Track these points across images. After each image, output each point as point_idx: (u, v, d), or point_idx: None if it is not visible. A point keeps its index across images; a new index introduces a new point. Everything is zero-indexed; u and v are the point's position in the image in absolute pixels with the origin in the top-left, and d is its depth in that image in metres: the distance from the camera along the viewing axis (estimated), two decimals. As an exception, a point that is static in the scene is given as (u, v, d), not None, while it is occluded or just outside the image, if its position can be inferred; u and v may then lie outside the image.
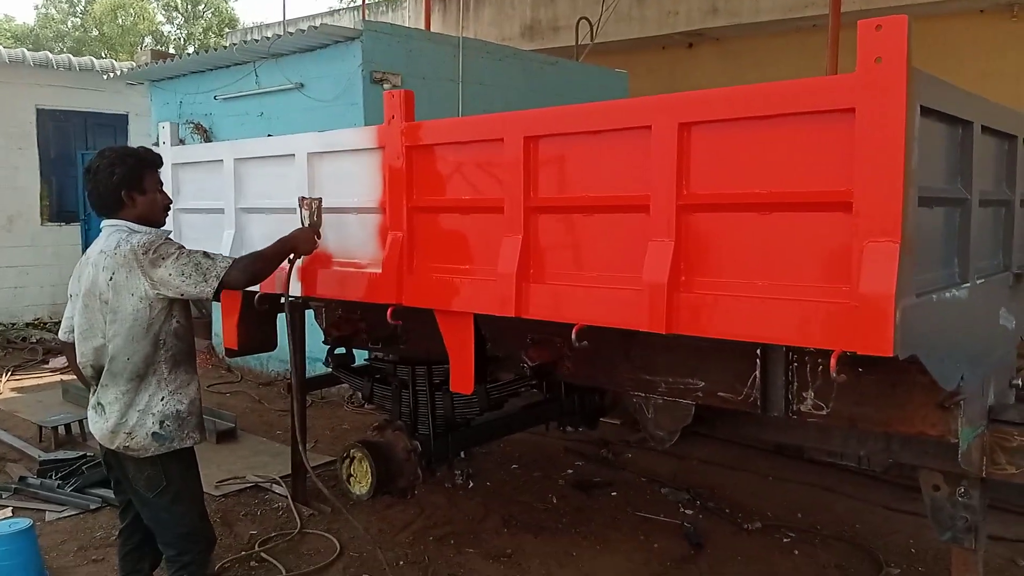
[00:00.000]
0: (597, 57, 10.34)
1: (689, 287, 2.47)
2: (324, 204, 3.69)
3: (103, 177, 3.08)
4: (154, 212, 3.18)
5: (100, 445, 3.26)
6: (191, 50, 27.69)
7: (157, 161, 3.22)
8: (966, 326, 2.64)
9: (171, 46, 30.20)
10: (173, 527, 3.17)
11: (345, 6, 20.37)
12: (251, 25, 23.28)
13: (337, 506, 4.35)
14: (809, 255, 2.27)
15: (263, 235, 4.08)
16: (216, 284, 3.03)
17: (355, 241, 3.59)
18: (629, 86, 9.99)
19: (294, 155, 3.81)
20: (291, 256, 3.46)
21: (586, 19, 10.19)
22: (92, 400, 3.18)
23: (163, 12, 32.72)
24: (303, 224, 3.54)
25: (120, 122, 11.94)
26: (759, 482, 5.50)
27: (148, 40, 30.62)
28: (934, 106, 2.22)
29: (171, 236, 3.20)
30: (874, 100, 2.06)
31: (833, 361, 2.17)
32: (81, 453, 5.90)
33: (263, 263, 3.25)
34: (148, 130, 10.40)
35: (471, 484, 5.48)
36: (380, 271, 3.41)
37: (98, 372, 3.13)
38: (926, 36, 9.27)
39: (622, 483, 5.49)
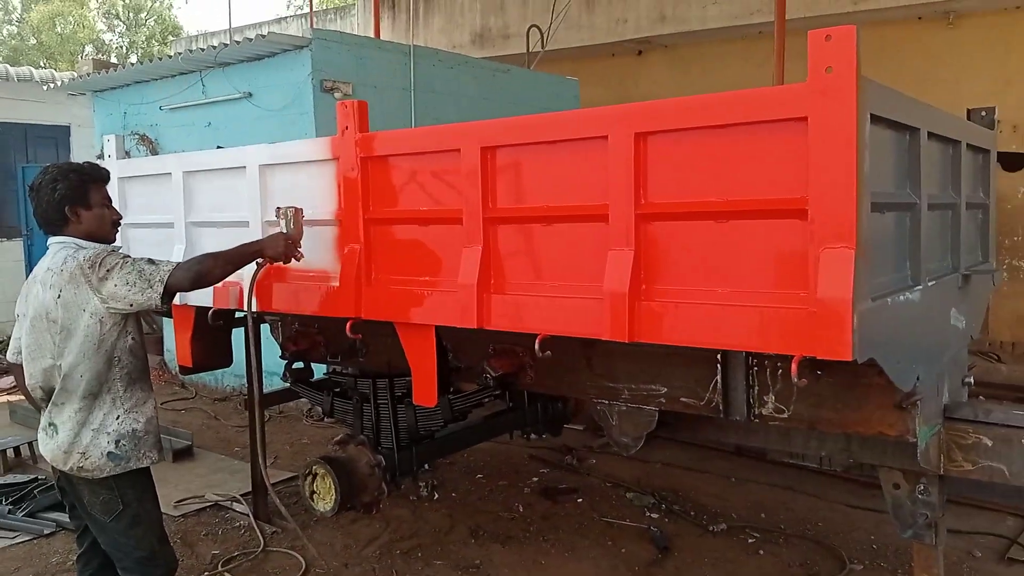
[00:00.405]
0: (548, 65, 10.38)
1: (650, 295, 2.48)
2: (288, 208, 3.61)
3: (46, 193, 2.99)
4: (102, 228, 3.09)
5: (53, 468, 3.15)
6: (134, 59, 27.15)
7: (103, 175, 3.13)
8: (920, 327, 2.70)
9: (113, 55, 29.52)
10: (132, 551, 3.08)
11: (292, 14, 20.16)
12: (195, 33, 22.91)
13: (295, 530, 4.29)
14: (767, 262, 2.29)
15: (215, 248, 4.01)
16: (161, 288, 2.92)
17: (311, 254, 3.53)
18: (580, 93, 10.05)
19: (245, 167, 3.74)
20: (259, 260, 3.32)
21: (536, 27, 10.24)
22: (43, 421, 3.08)
23: (103, 20, 32.00)
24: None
25: (62, 134, 11.62)
26: (722, 483, 5.55)
27: (89, 49, 29.89)
28: (883, 114, 2.27)
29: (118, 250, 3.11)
30: (826, 109, 2.09)
31: (794, 366, 2.20)
32: (32, 476, 5.72)
33: (212, 262, 3.09)
34: (91, 142, 10.14)
35: (436, 496, 5.44)
36: (337, 284, 3.37)
37: (48, 393, 3.04)
38: (867, 43, 9.47)
39: (587, 489, 5.50)
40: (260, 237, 3.50)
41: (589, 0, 10.63)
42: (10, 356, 3.26)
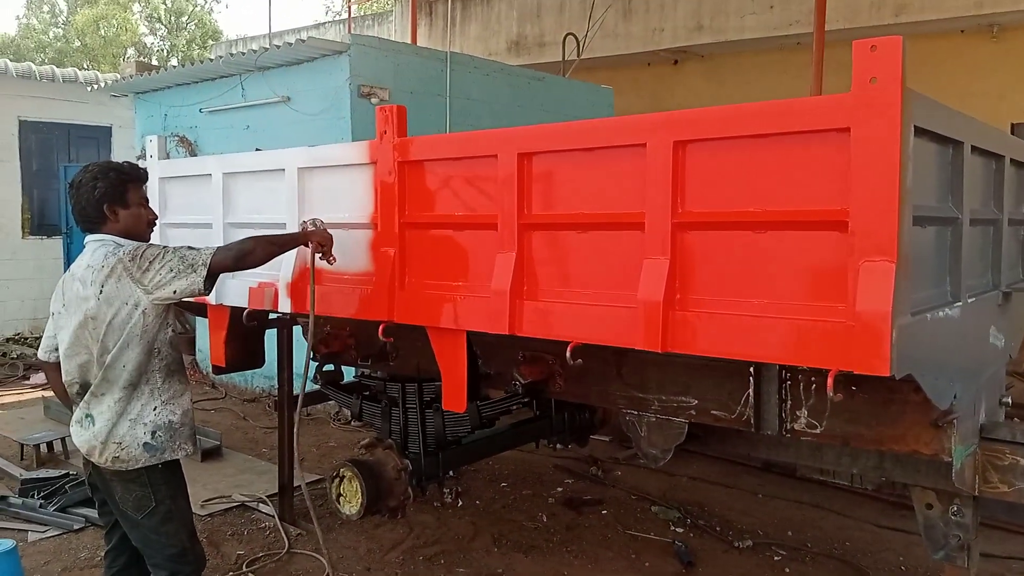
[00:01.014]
0: (583, 73, 10.39)
1: (684, 305, 2.46)
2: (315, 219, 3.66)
3: (86, 191, 3.05)
4: (138, 227, 3.14)
5: (85, 464, 3.19)
6: (174, 62, 27.61)
7: (141, 176, 3.19)
8: (958, 344, 2.65)
9: (154, 58, 30.06)
10: (163, 548, 3.11)
11: (331, 19, 20.38)
12: (235, 38, 23.24)
13: (316, 533, 4.30)
14: (805, 274, 2.27)
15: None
16: (205, 271, 2.96)
17: (345, 257, 3.56)
18: (615, 102, 10.05)
19: (284, 170, 3.78)
20: (310, 248, 3.36)
21: (573, 35, 10.25)
22: (78, 413, 3.11)
23: (146, 24, 32.61)
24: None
25: (103, 134, 11.85)
26: (749, 499, 5.49)
27: (131, 52, 30.48)
28: (927, 126, 2.24)
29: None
30: (869, 120, 2.06)
31: (830, 381, 2.17)
32: (64, 471, 5.80)
33: (254, 243, 3.12)
34: (132, 142, 10.34)
35: (460, 503, 5.44)
36: (371, 287, 3.39)
37: (84, 388, 3.08)
38: (909, 55, 9.36)
39: (612, 501, 5.47)
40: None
41: (626, 9, 10.62)
42: (41, 354, 3.31)
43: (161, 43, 32.63)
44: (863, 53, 2.07)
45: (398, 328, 3.41)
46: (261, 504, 5.41)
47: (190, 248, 3.04)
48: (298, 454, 3.65)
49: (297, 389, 5.43)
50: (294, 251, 3.54)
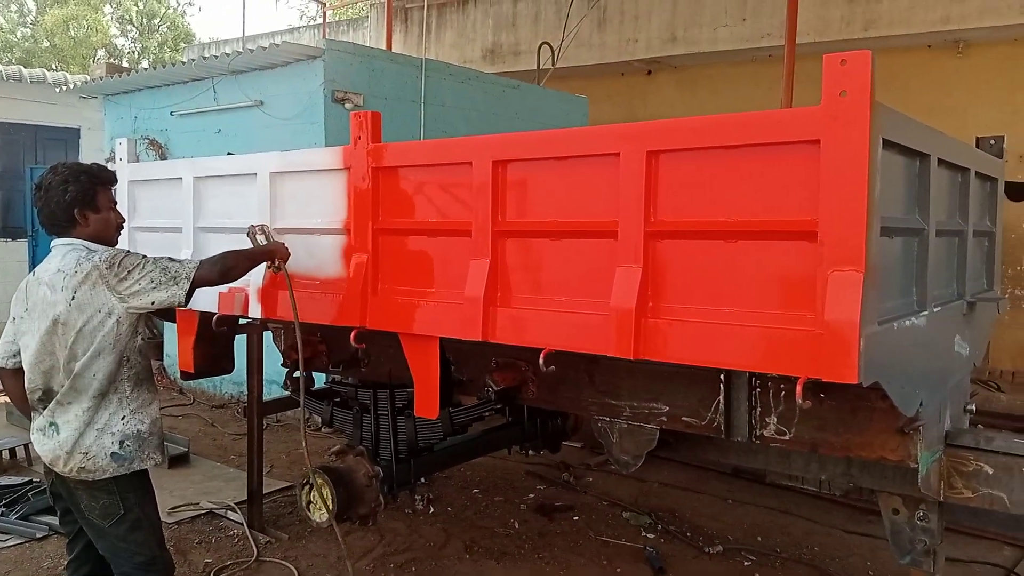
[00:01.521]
0: (557, 82, 10.45)
1: (656, 313, 2.48)
2: (286, 225, 3.65)
3: (55, 195, 2.98)
4: (107, 231, 3.09)
5: (47, 472, 3.12)
6: (145, 64, 27.29)
7: (111, 178, 3.15)
8: (924, 353, 2.70)
9: (125, 60, 29.68)
10: (131, 556, 3.05)
11: (306, 24, 20.28)
12: (207, 41, 23.02)
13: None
14: (774, 283, 2.30)
15: (223, 255, 4.02)
16: (187, 285, 2.95)
17: (318, 262, 3.55)
18: (589, 111, 10.11)
19: (256, 174, 3.75)
20: (276, 263, 3.44)
21: (548, 44, 10.31)
22: (40, 421, 3.03)
23: (117, 25, 32.20)
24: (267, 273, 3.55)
25: (72, 136, 11.68)
26: (718, 505, 5.53)
27: (101, 53, 30.08)
28: (895, 139, 2.28)
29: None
30: (839, 132, 2.10)
31: (799, 388, 2.20)
32: (27, 479, 5.69)
33: (235, 258, 3.17)
34: (101, 145, 10.19)
35: (431, 509, 5.42)
36: (344, 293, 3.37)
37: (47, 396, 3.00)
38: (878, 70, 9.53)
39: (584, 507, 5.48)
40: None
41: (600, 20, 10.71)
42: (0, 360, 3.21)
43: (132, 45, 32.23)
44: (833, 67, 2.11)
45: (370, 334, 3.40)
46: (230, 511, 5.34)
47: (171, 260, 3.00)
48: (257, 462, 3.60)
49: (269, 395, 5.40)
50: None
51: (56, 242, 3.04)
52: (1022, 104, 8.61)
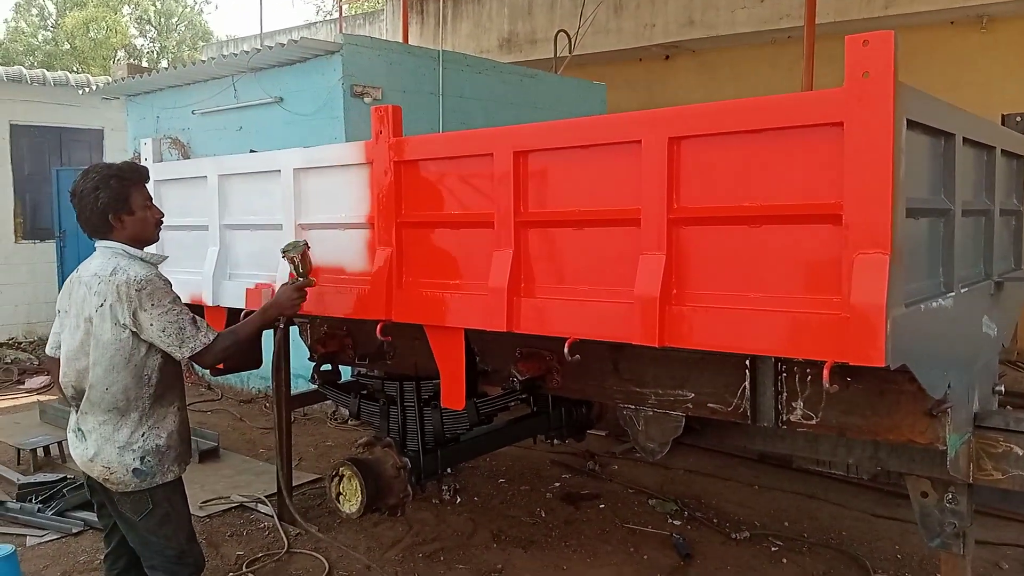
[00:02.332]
0: (575, 69, 10.41)
1: (681, 300, 2.49)
2: (311, 220, 3.68)
3: (88, 202, 3.00)
4: (146, 230, 3.11)
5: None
6: (164, 63, 27.48)
7: (144, 175, 3.14)
8: (952, 334, 2.68)
9: (144, 59, 29.91)
10: (161, 550, 3.10)
11: (322, 19, 20.34)
12: (225, 39, 23.18)
13: (311, 531, 4.31)
14: (799, 267, 2.29)
15: (248, 252, 4.08)
16: (187, 355, 2.98)
17: (342, 257, 3.59)
18: (607, 98, 10.06)
19: (280, 171, 3.79)
20: (279, 323, 3.44)
21: (564, 32, 10.26)
22: (72, 422, 3.10)
23: (136, 26, 32.46)
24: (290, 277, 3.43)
25: (95, 137, 11.81)
26: (744, 491, 5.52)
27: (121, 54, 30.34)
28: (919, 119, 2.26)
29: (162, 273, 3.09)
30: (862, 114, 2.09)
31: (826, 372, 2.20)
32: (61, 475, 5.79)
33: (236, 343, 3.16)
34: (124, 145, 10.31)
35: (458, 499, 5.46)
36: (369, 287, 3.41)
37: (79, 393, 3.05)
38: (900, 47, 9.39)
39: (609, 495, 5.49)
40: (293, 241, 3.52)
41: (617, 5, 10.64)
42: (48, 350, 3.29)
43: (151, 45, 32.48)
44: (855, 48, 2.09)
45: (395, 327, 3.43)
46: (260, 504, 5.41)
47: (193, 321, 2.99)
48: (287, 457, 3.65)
49: (296, 389, 5.46)
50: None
51: (98, 243, 3.08)
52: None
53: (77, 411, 3.08)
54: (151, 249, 3.18)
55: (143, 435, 3.01)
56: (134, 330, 2.94)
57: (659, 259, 2.50)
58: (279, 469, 5.13)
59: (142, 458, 3.00)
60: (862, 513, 5.05)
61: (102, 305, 2.93)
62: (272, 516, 5.17)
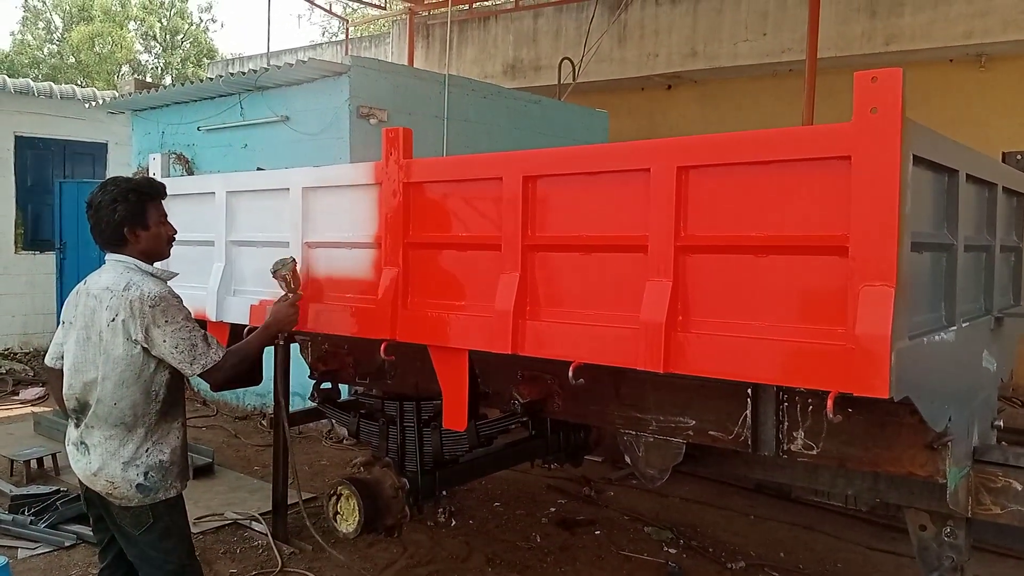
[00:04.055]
0: (577, 96, 10.51)
1: (686, 326, 2.51)
2: (318, 239, 3.71)
3: (105, 214, 3.02)
4: (158, 246, 3.13)
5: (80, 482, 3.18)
6: (169, 79, 27.63)
7: (161, 192, 3.17)
8: (953, 368, 2.71)
9: (148, 75, 30.10)
10: (162, 565, 3.08)
11: (327, 40, 20.53)
12: (230, 57, 23.33)
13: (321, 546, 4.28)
14: (804, 297, 2.32)
15: (253, 269, 4.09)
16: (198, 372, 3.02)
17: (348, 276, 3.61)
18: (609, 125, 10.16)
19: (288, 189, 3.82)
20: (279, 339, 3.54)
21: (568, 59, 10.38)
22: (74, 435, 3.09)
23: (141, 41, 32.69)
24: (284, 293, 3.53)
25: (99, 151, 11.85)
26: (740, 520, 5.52)
27: (125, 69, 30.53)
28: (925, 155, 2.30)
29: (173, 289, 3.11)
30: (870, 148, 2.13)
31: (830, 402, 2.22)
32: (55, 488, 5.76)
33: (247, 363, 3.24)
34: (128, 159, 10.36)
35: (453, 522, 5.44)
36: (374, 306, 3.42)
37: (82, 406, 3.04)
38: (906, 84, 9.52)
39: (605, 521, 5.48)
40: (281, 259, 3.56)
41: (620, 35, 10.77)
42: (48, 360, 3.28)
43: (156, 61, 32.70)
44: (864, 84, 2.14)
45: (398, 346, 3.44)
46: (254, 522, 5.39)
47: (204, 339, 3.03)
48: (294, 472, 3.65)
49: (293, 407, 5.45)
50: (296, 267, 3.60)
51: (109, 257, 3.09)
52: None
53: (78, 424, 3.07)
54: (160, 265, 3.20)
55: (147, 451, 3.01)
56: (145, 346, 2.95)
57: (665, 286, 2.53)
58: (276, 486, 5.13)
59: (146, 473, 2.99)
60: (858, 546, 5.05)
61: (114, 320, 2.94)
62: (266, 534, 5.15)
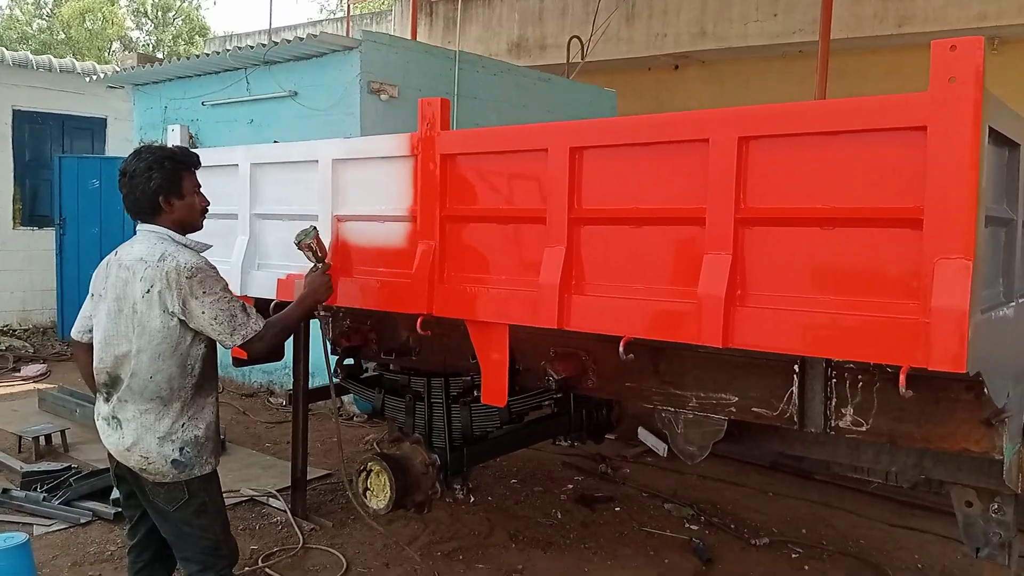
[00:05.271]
0: (584, 76, 10.41)
1: (747, 301, 2.47)
2: (348, 212, 3.65)
3: (140, 182, 2.95)
4: (192, 216, 3.06)
5: (111, 456, 3.11)
6: (160, 56, 27.26)
7: (196, 162, 3.10)
8: (1012, 344, 2.68)
9: (135, 51, 29.70)
10: (196, 541, 3.04)
11: (326, 17, 20.27)
12: (223, 35, 23.04)
13: (369, 521, 4.24)
14: (874, 270, 2.28)
15: (278, 241, 4.03)
16: (238, 343, 2.96)
17: (381, 250, 3.55)
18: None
19: (317, 161, 3.75)
20: (318, 311, 3.44)
21: (577, 38, 10.28)
22: (105, 409, 3.02)
23: (132, 18, 32.23)
24: (313, 264, 3.44)
25: (98, 126, 11.69)
26: (759, 497, 5.53)
27: (116, 45, 30.13)
28: (997, 127, 2.26)
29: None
30: (948, 119, 2.09)
31: (903, 377, 2.19)
32: (66, 464, 5.71)
33: (283, 332, 3.21)
34: (128, 135, 10.23)
35: (472, 499, 5.42)
36: (410, 280, 3.37)
37: (112, 380, 2.98)
38: (910, 66, 9.51)
39: (624, 498, 5.48)
40: (303, 230, 3.46)
41: (629, 14, 10.67)
42: (75, 333, 3.21)
43: (147, 38, 32.28)
44: (942, 53, 2.09)
45: (422, 322, 3.39)
46: (271, 499, 5.35)
47: (243, 309, 2.97)
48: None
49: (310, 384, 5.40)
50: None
51: (141, 227, 3.02)
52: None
53: (108, 399, 3.02)
54: (194, 237, 3.13)
55: (183, 426, 2.96)
56: (183, 318, 2.89)
57: (725, 259, 2.48)
58: (295, 462, 5.09)
59: (181, 449, 2.94)
60: (878, 523, 5.07)
61: (149, 291, 2.88)
62: (285, 511, 5.11)
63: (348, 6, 14.05)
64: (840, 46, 8.69)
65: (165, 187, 2.96)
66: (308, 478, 5.53)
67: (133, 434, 2.94)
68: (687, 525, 5.03)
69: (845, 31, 8.87)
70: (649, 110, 11.00)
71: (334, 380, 4.91)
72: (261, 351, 3.07)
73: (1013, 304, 2.61)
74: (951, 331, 2.06)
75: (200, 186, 3.11)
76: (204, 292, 2.88)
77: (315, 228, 3.44)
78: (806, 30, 9.12)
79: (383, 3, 16.10)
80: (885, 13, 8.85)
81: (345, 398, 7.10)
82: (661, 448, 6.34)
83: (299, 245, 3.43)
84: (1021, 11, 8.08)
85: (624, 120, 2.83)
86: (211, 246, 3.15)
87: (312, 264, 3.43)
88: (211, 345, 3.05)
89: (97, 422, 3.11)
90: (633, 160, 2.78)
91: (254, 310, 3.03)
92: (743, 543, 4.77)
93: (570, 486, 5.72)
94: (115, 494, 4.58)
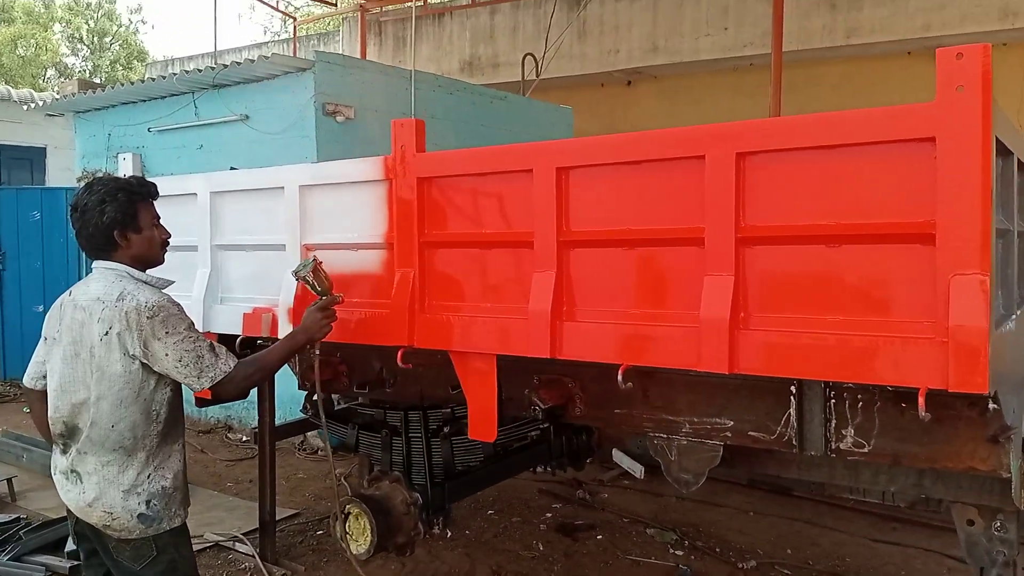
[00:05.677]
0: (538, 93, 10.37)
1: (752, 324, 2.37)
2: (318, 240, 3.47)
3: (92, 216, 2.72)
4: (152, 250, 2.85)
5: (70, 512, 2.87)
6: (99, 82, 26.55)
7: (152, 192, 2.87)
8: (1015, 358, 2.63)
9: (75, 78, 28.91)
10: (166, 602, 2.82)
11: (271, 39, 19.93)
12: (162, 59, 22.48)
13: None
14: (883, 288, 2.20)
15: (244, 275, 3.84)
16: (207, 386, 2.74)
17: (355, 279, 3.37)
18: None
19: (283, 188, 3.57)
20: (310, 349, 3.15)
21: (532, 55, 10.24)
22: (62, 463, 2.78)
23: (67, 44, 31.41)
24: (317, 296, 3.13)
25: (37, 155, 11.24)
26: (741, 517, 5.45)
27: (51, 72, 29.31)
28: (1002, 136, 2.21)
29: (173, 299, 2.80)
30: (957, 128, 2.02)
31: (921, 399, 2.10)
32: (15, 516, 5.36)
33: (264, 374, 2.98)
34: (69, 164, 9.84)
35: (448, 533, 5.22)
36: (388, 311, 3.20)
37: (70, 430, 2.75)
38: (855, 76, 9.69)
39: (605, 525, 5.34)
40: (302, 261, 3.29)
41: (580, 31, 10.67)
42: (28, 380, 2.96)
43: (83, 64, 31.47)
44: (948, 61, 2.03)
45: (394, 353, 3.21)
46: (238, 543, 5.09)
47: (211, 349, 2.75)
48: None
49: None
50: (292, 279, 3.29)
51: (97, 264, 2.80)
52: (1006, 109, 8.76)
53: (66, 451, 2.78)
54: (155, 272, 2.92)
55: (149, 477, 2.74)
56: (145, 361, 2.67)
57: (727, 280, 2.38)
58: (263, 504, 4.85)
59: (148, 502, 2.72)
60: (862, 539, 5.02)
61: (107, 333, 2.66)
62: (253, 556, 4.86)
63: (295, 27, 13.83)
64: (791, 58, 8.78)
65: (120, 220, 2.74)
66: (276, 518, 5.29)
67: (95, 488, 2.70)
68: (671, 551, 4.91)
69: (795, 43, 8.98)
70: (604, 126, 11.01)
71: (302, 414, 4.72)
72: (233, 394, 2.84)
73: (1014, 317, 2.56)
74: (971, 351, 1.98)
75: (159, 218, 2.89)
76: (167, 332, 2.67)
77: (315, 259, 3.14)
78: (756, 43, 9.22)
79: (330, 23, 15.89)
80: (834, 25, 8.99)
81: (309, 432, 6.84)
82: (638, 470, 6.24)
83: (296, 276, 3.18)
84: (964, 21, 8.28)
85: (611, 138, 2.71)
86: (173, 282, 2.94)
87: (316, 298, 3.12)
88: (177, 388, 2.83)
89: (54, 476, 2.86)
90: (623, 179, 2.67)
91: (224, 349, 2.82)
92: (730, 567, 4.67)
93: (549, 515, 5.57)
94: (70, 545, 4.30)
